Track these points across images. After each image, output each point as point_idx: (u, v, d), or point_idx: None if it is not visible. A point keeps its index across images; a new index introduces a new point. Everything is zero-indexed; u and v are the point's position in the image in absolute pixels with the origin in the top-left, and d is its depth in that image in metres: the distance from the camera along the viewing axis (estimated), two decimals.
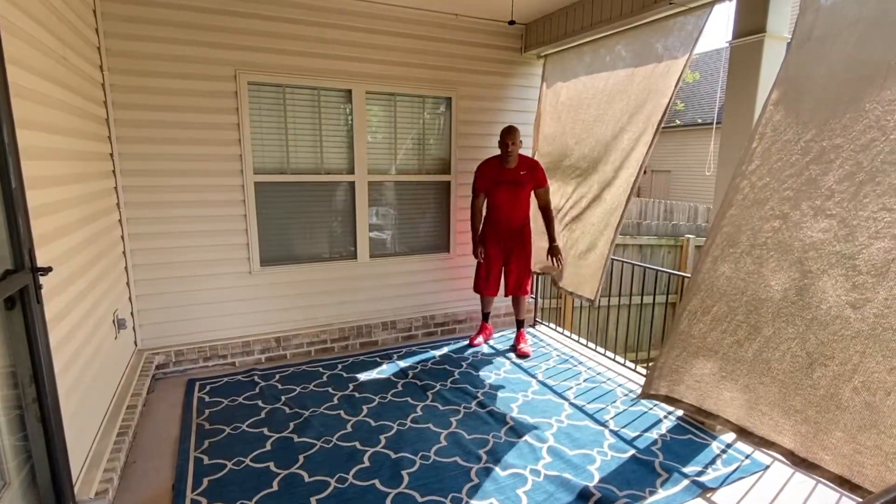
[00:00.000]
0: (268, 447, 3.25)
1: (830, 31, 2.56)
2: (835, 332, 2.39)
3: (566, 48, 4.81)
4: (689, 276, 4.09)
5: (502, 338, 5.32)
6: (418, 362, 4.62)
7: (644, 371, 4.39)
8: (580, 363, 4.68)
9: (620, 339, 7.18)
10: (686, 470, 3.05)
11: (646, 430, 3.50)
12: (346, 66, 4.51)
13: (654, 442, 3.35)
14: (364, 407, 3.78)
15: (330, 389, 4.06)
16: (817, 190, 2.50)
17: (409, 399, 3.91)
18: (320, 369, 4.44)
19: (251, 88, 4.24)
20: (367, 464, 3.08)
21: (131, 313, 4.10)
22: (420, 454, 3.18)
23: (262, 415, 3.65)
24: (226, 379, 4.22)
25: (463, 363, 4.61)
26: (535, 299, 5.78)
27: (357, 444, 3.29)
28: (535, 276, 5.36)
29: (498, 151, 4.65)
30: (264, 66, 4.23)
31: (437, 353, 4.84)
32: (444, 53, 4.88)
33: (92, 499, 2.52)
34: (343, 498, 2.77)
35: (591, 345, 5.04)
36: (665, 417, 3.66)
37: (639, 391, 4.08)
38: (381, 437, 3.37)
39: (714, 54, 20.93)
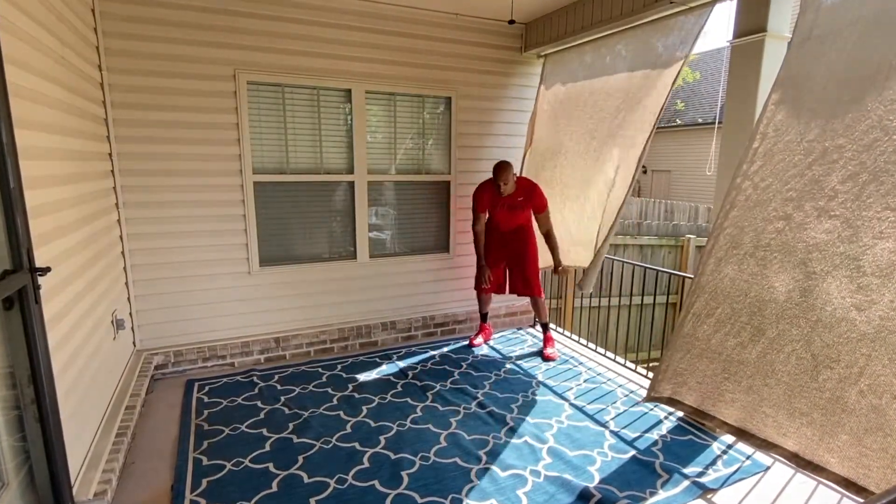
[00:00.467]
0: (267, 448, 3.24)
1: (831, 29, 2.55)
2: (840, 335, 2.38)
3: (566, 48, 4.80)
4: (690, 276, 4.09)
5: (502, 338, 5.31)
6: (418, 363, 4.61)
7: (644, 372, 4.39)
8: (580, 363, 4.67)
9: (621, 340, 7.17)
10: (687, 471, 3.04)
11: (646, 431, 3.49)
12: (345, 65, 4.50)
13: (655, 443, 3.34)
14: (363, 407, 3.77)
15: (329, 390, 4.05)
16: (821, 191, 2.49)
17: (408, 400, 3.90)
18: (320, 370, 4.43)
19: (250, 88, 4.23)
20: (366, 464, 3.07)
21: (130, 313, 4.09)
22: (420, 455, 3.17)
23: (262, 415, 3.64)
24: (225, 379, 4.21)
25: (463, 363, 4.60)
26: None
27: (356, 444, 3.28)
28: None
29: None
30: (264, 66, 4.22)
31: (437, 353, 4.83)
32: (443, 53, 4.87)
33: (90, 499, 2.51)
34: (342, 499, 2.77)
35: (592, 345, 5.03)
36: (666, 418, 3.65)
37: (640, 392, 4.08)
38: (381, 438, 3.36)
39: (715, 54, 20.91)
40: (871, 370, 2.28)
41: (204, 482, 2.90)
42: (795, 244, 2.57)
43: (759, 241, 2.72)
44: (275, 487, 2.85)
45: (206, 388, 4.05)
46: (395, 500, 2.76)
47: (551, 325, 5.67)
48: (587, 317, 7.28)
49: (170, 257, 4.18)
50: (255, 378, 4.23)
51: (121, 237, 3.95)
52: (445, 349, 4.95)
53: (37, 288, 2.05)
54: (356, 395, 3.96)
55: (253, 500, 2.75)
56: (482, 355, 4.81)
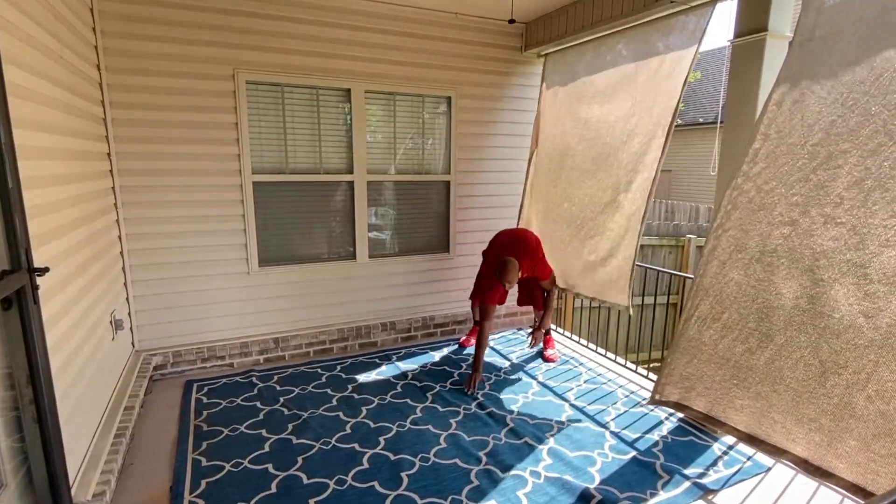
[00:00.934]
0: (266, 449, 3.23)
1: (833, 30, 2.53)
2: (848, 341, 2.37)
3: (567, 47, 4.79)
4: (691, 276, 4.07)
5: (502, 339, 5.31)
6: (418, 363, 4.61)
7: (645, 372, 4.38)
8: (581, 364, 4.66)
9: (621, 340, 7.16)
10: (687, 472, 3.03)
11: (647, 432, 3.48)
12: (344, 64, 4.49)
13: (655, 443, 3.33)
14: (363, 408, 3.76)
15: (329, 391, 4.04)
16: (826, 196, 2.48)
17: (408, 400, 3.89)
18: (319, 370, 4.42)
19: (249, 88, 4.22)
20: (366, 465, 3.06)
21: (129, 314, 4.08)
22: (420, 456, 3.16)
23: (261, 416, 3.63)
24: (224, 380, 4.20)
25: (463, 364, 4.59)
26: None
27: (356, 445, 3.27)
28: None
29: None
30: (263, 65, 4.21)
31: (437, 354, 4.82)
32: (443, 52, 4.86)
33: (89, 500, 2.50)
34: (342, 500, 2.76)
35: (592, 346, 5.02)
36: (666, 419, 3.64)
37: (641, 393, 4.07)
38: (381, 439, 3.35)
39: (716, 53, 20.88)
40: (878, 376, 2.28)
41: (203, 483, 2.89)
42: (803, 251, 2.56)
43: (766, 247, 2.71)
44: (274, 488, 2.85)
45: (205, 389, 4.04)
46: (395, 502, 2.75)
47: (552, 326, 5.66)
48: (587, 317, 7.26)
49: (169, 257, 4.17)
50: (254, 379, 4.22)
51: (119, 237, 3.94)
52: (445, 350, 4.94)
53: (35, 288, 2.03)
54: (356, 396, 3.95)
55: (252, 501, 2.74)
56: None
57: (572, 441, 3.37)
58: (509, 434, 3.44)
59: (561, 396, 4.00)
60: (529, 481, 2.94)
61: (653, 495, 2.83)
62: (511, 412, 3.73)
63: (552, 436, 3.42)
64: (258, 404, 3.80)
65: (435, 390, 4.05)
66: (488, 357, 4.75)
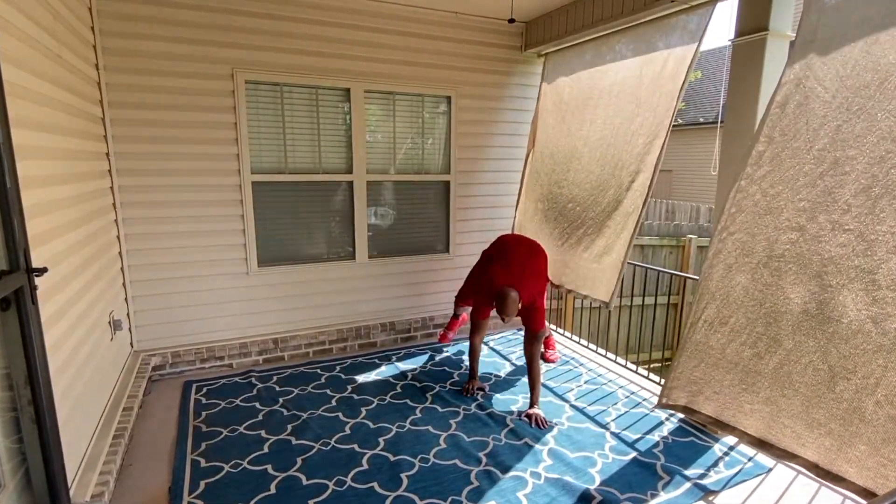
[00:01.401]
0: (265, 449, 3.22)
1: (836, 31, 2.52)
2: (856, 346, 2.38)
3: (567, 46, 4.79)
4: (691, 277, 4.07)
5: (502, 339, 5.30)
6: (417, 364, 4.60)
7: (645, 373, 4.37)
8: (581, 364, 4.65)
9: (622, 341, 7.14)
10: (688, 472, 3.02)
11: (647, 433, 3.47)
12: (344, 64, 4.48)
13: (656, 444, 3.33)
14: (363, 409, 3.75)
15: (328, 391, 4.03)
16: (834, 203, 2.47)
17: (408, 401, 3.88)
18: (318, 371, 4.41)
19: (248, 87, 4.21)
20: (365, 466, 3.06)
21: (127, 314, 4.07)
22: (419, 457, 3.16)
23: (260, 417, 3.62)
24: (223, 381, 4.19)
25: (462, 365, 4.58)
26: None
27: (355, 446, 3.26)
28: None
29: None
30: (262, 65, 4.20)
31: (437, 354, 4.81)
32: (443, 52, 4.85)
33: (88, 501, 2.49)
34: (341, 501, 2.75)
35: (592, 346, 5.01)
36: (667, 420, 3.63)
37: (641, 393, 4.06)
38: (380, 440, 3.34)
39: (716, 52, 20.85)
40: (887, 381, 2.29)
41: (202, 484, 2.88)
42: (811, 256, 2.55)
43: (773, 251, 2.70)
44: (273, 489, 2.84)
45: (204, 390, 4.02)
46: (395, 502, 2.74)
47: (552, 327, 5.66)
48: (587, 318, 7.26)
49: (168, 258, 4.16)
50: (253, 379, 4.21)
51: (118, 237, 3.93)
52: (445, 350, 4.93)
53: (33, 289, 2.03)
54: (355, 397, 3.94)
55: (251, 502, 2.73)
56: (482, 356, 4.78)
57: (572, 442, 3.36)
58: (509, 435, 3.43)
59: (561, 397, 3.99)
60: (529, 482, 2.93)
61: (653, 496, 2.82)
62: (511, 413, 3.72)
63: (552, 436, 3.41)
64: (257, 405, 3.79)
65: (434, 391, 4.04)
66: (488, 358, 4.75)
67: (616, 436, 3.44)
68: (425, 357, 4.75)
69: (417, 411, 3.73)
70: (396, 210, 5.06)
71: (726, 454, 3.21)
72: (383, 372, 4.41)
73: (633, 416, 3.70)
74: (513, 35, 5.13)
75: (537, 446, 3.29)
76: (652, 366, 4.79)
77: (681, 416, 3.66)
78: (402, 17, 4.62)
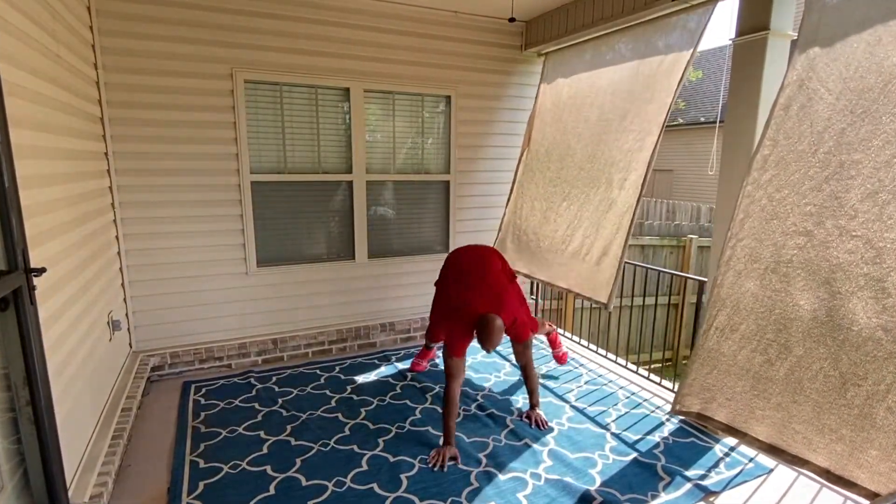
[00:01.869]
0: (264, 450, 3.21)
1: (838, 32, 2.51)
2: (867, 353, 2.38)
3: (567, 46, 4.78)
4: (692, 277, 4.06)
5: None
6: None
7: (646, 374, 4.36)
8: (581, 365, 4.64)
9: (622, 341, 7.13)
10: (689, 473, 3.01)
11: (648, 433, 3.46)
12: (343, 63, 4.47)
13: (657, 445, 3.32)
14: (362, 409, 3.74)
15: (327, 392, 4.02)
16: (841, 208, 2.47)
17: (407, 402, 3.87)
18: (318, 371, 4.40)
19: (248, 87, 4.20)
20: (365, 467, 3.04)
21: (126, 315, 4.06)
22: (419, 458, 3.14)
23: (259, 418, 3.61)
24: (222, 381, 4.18)
25: None
26: (536, 300, 5.74)
27: (355, 447, 3.25)
28: (534, 283, 5.24)
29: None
30: (261, 64, 4.19)
31: (437, 354, 4.80)
32: (443, 51, 4.84)
33: (86, 502, 2.49)
34: (341, 502, 2.74)
35: (593, 346, 5.00)
36: (667, 420, 3.62)
37: (641, 394, 4.05)
38: (380, 440, 3.33)
39: (717, 52, 20.83)
40: None
41: (201, 485, 2.87)
42: (819, 262, 2.54)
43: (781, 257, 2.70)
44: (272, 490, 2.82)
45: (203, 390, 4.01)
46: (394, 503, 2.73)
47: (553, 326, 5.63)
48: (588, 318, 7.25)
49: (166, 258, 4.15)
50: (252, 380, 4.19)
51: (117, 237, 3.92)
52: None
53: (32, 289, 2.02)
54: (355, 397, 3.93)
55: (250, 503, 2.72)
56: (482, 356, 4.77)
57: (573, 442, 3.35)
58: (509, 435, 3.42)
59: (561, 397, 3.98)
60: (529, 483, 2.92)
61: (654, 497, 2.81)
62: (511, 413, 3.71)
63: (552, 437, 3.40)
64: (256, 405, 3.78)
65: (434, 391, 4.03)
66: (488, 358, 4.73)
67: (616, 436, 3.43)
68: None
69: (417, 412, 3.71)
70: (396, 210, 5.05)
71: (727, 455, 3.20)
72: (383, 372, 4.40)
73: (633, 416, 3.69)
74: (513, 34, 5.12)
75: (537, 447, 3.28)
76: (652, 366, 4.78)
77: (681, 417, 3.65)
78: (401, 17, 4.61)
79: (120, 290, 3.95)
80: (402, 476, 2.96)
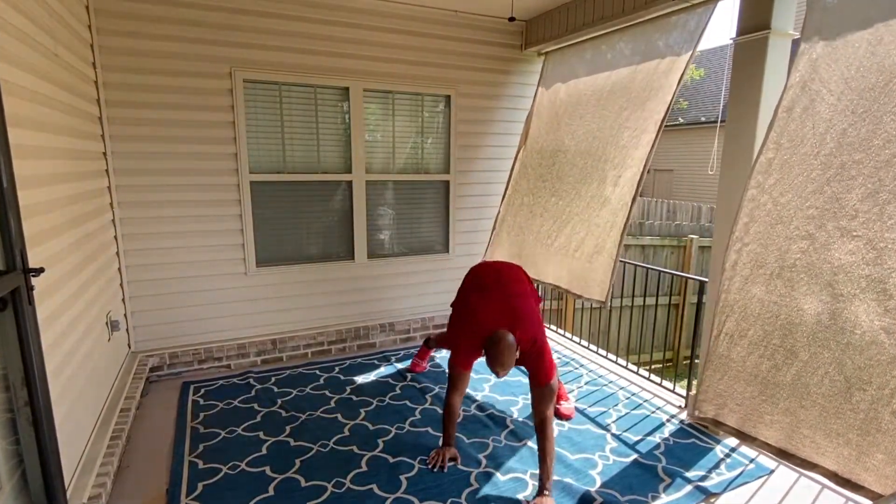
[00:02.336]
0: (263, 451, 3.20)
1: (840, 32, 2.50)
2: (871, 357, 2.38)
3: (567, 45, 4.77)
4: (692, 277, 4.05)
5: None
6: None
7: (646, 374, 4.35)
8: (581, 366, 4.63)
9: (622, 342, 7.14)
10: (689, 475, 3.00)
11: (648, 434, 3.45)
12: (343, 63, 4.46)
13: (657, 446, 3.31)
14: (362, 410, 3.73)
15: (327, 392, 4.01)
16: (842, 209, 2.46)
17: (407, 402, 3.86)
18: (317, 372, 4.39)
19: (247, 86, 4.19)
20: (364, 468, 3.04)
21: (125, 315, 4.05)
22: (419, 458, 3.13)
23: (258, 418, 3.60)
24: (221, 382, 4.17)
25: None
26: None
27: (354, 447, 3.25)
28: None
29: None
30: (260, 64, 4.18)
31: (436, 355, 4.79)
32: (443, 50, 4.83)
33: (85, 503, 2.48)
34: (340, 503, 2.73)
35: (593, 347, 4.99)
36: (668, 421, 3.62)
37: (642, 394, 4.04)
38: (379, 441, 3.32)
39: (718, 51, 20.82)
40: None
41: (200, 486, 2.86)
42: (821, 265, 2.54)
43: (785, 262, 2.70)
44: (271, 491, 2.82)
45: (202, 391, 4.00)
46: None
47: (552, 327, 5.62)
48: (588, 318, 7.24)
49: (165, 258, 4.14)
50: (251, 380, 4.19)
51: (115, 237, 3.91)
52: (444, 351, 4.91)
53: (30, 289, 2.01)
54: (354, 398, 3.92)
55: None
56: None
57: (573, 443, 3.34)
58: (509, 436, 3.41)
59: None
60: (529, 484, 2.91)
61: (654, 498, 2.80)
62: (511, 414, 3.70)
63: None
64: (255, 406, 3.77)
65: (434, 392, 4.02)
66: None
67: (617, 437, 3.42)
68: None
69: (417, 413, 3.71)
70: (396, 210, 5.04)
71: (728, 456, 3.19)
72: (382, 373, 4.39)
73: (633, 417, 3.69)
74: (513, 34, 5.11)
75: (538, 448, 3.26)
76: (653, 367, 4.77)
77: (682, 417, 3.65)
78: (401, 16, 4.60)
79: (119, 290, 3.94)
80: (402, 477, 2.95)
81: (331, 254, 4.81)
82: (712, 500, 2.80)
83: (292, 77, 4.31)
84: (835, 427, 2.51)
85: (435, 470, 3.02)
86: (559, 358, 4.77)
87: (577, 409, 3.79)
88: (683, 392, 3.94)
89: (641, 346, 6.79)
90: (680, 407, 3.83)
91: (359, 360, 4.68)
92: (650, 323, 6.95)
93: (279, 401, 3.84)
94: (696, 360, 3.79)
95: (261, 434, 3.39)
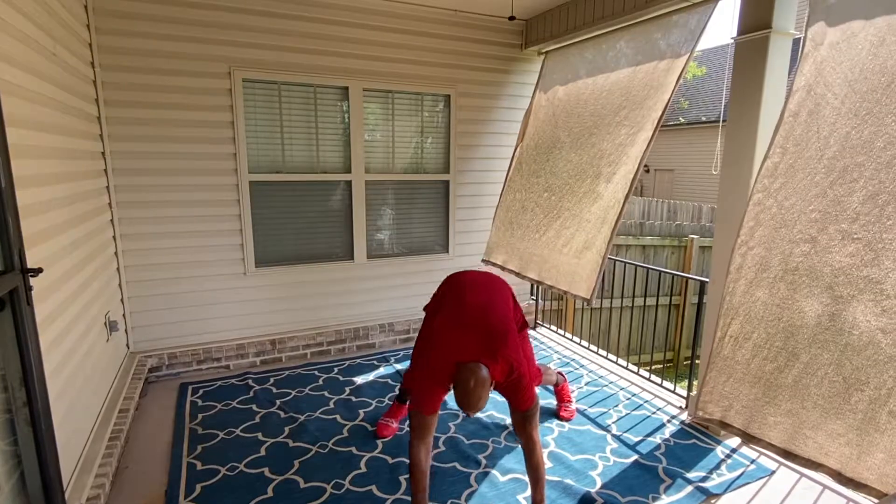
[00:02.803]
0: (262, 452, 3.19)
1: (843, 34, 2.50)
2: (868, 357, 2.39)
3: (567, 44, 4.76)
4: (693, 277, 4.04)
5: None
6: None
7: (647, 375, 4.34)
8: (581, 366, 4.62)
9: (623, 342, 7.13)
10: (690, 475, 2.99)
11: (649, 435, 3.44)
12: (342, 62, 4.45)
13: (658, 447, 3.30)
14: (361, 411, 3.72)
15: (326, 393, 4.00)
16: (843, 212, 2.47)
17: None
18: (316, 372, 4.38)
19: (246, 85, 4.18)
20: (363, 469, 3.03)
21: (123, 315, 4.04)
22: None
23: (257, 419, 3.59)
24: (219, 382, 4.16)
25: None
26: (536, 301, 5.72)
27: (353, 449, 3.24)
28: (534, 285, 5.17)
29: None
30: (259, 63, 4.17)
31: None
32: (442, 50, 4.83)
33: None
34: None
35: (593, 347, 4.98)
36: (668, 422, 3.61)
37: (642, 395, 4.03)
38: (379, 442, 3.31)
39: (719, 50, 20.82)
40: None
41: (198, 487, 2.85)
42: (822, 268, 2.55)
43: (788, 265, 2.70)
44: (270, 492, 2.81)
45: (201, 392, 3.99)
46: None
47: (552, 328, 5.61)
48: (588, 318, 7.23)
49: (164, 258, 4.13)
50: (250, 381, 4.17)
51: (114, 237, 3.90)
52: None
53: (28, 289, 2.01)
54: (353, 399, 3.91)
55: None
56: None
57: (573, 444, 3.33)
58: (509, 437, 3.40)
59: None
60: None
61: (655, 499, 2.79)
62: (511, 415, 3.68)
63: (553, 439, 3.38)
64: (254, 407, 3.76)
65: None
66: None
67: (617, 438, 3.41)
68: None
69: None
70: (395, 210, 5.03)
71: (728, 457, 3.19)
72: (381, 373, 4.38)
73: (634, 418, 3.68)
74: (513, 33, 5.10)
75: None
76: (653, 367, 4.76)
77: (683, 417, 3.64)
78: (401, 15, 4.59)
79: (117, 290, 3.93)
80: (401, 478, 2.94)
81: (330, 254, 4.80)
82: (713, 501, 2.79)
83: (291, 76, 4.30)
84: (835, 427, 2.52)
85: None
86: (559, 359, 4.77)
87: (577, 409, 3.78)
88: (684, 393, 3.94)
89: (642, 346, 6.78)
90: (680, 408, 3.82)
91: (358, 360, 4.66)
92: (651, 323, 6.95)
93: (278, 402, 3.83)
94: (697, 361, 3.78)
95: (259, 435, 3.38)
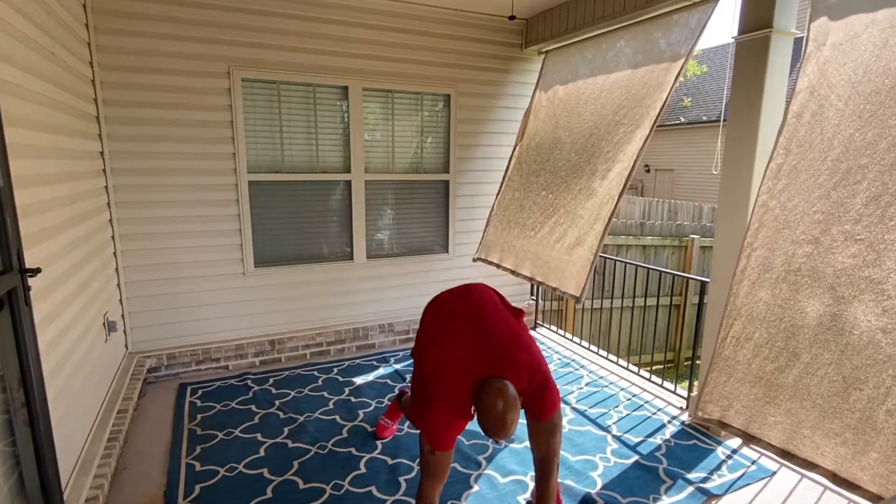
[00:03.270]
0: (261, 453, 3.18)
1: (846, 34, 2.50)
2: (868, 357, 2.39)
3: (568, 44, 4.75)
4: (693, 277, 4.03)
5: None
6: None
7: (647, 375, 4.33)
8: (582, 367, 4.61)
9: (623, 342, 7.12)
10: (691, 476, 2.99)
11: (649, 436, 3.44)
12: (342, 62, 4.44)
13: (658, 447, 3.29)
14: (360, 412, 3.71)
15: (325, 394, 3.99)
16: (846, 214, 2.47)
17: None
18: (315, 373, 4.37)
19: (245, 85, 4.17)
20: (363, 470, 3.02)
21: (122, 315, 4.02)
22: (417, 460, 3.11)
23: (256, 420, 3.58)
24: (218, 383, 4.15)
25: None
26: (536, 301, 5.71)
27: (353, 449, 3.23)
28: (534, 285, 5.16)
29: None
30: (259, 63, 4.16)
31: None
32: (442, 49, 4.82)
33: None
34: None
35: (593, 348, 4.98)
36: (669, 422, 3.60)
37: (643, 395, 4.03)
38: (378, 443, 3.30)
39: (720, 50, 20.80)
40: None
41: (197, 488, 2.84)
42: (824, 269, 2.56)
43: (790, 266, 2.71)
44: (269, 493, 2.80)
45: (200, 392, 3.98)
46: None
47: (552, 328, 5.59)
48: (588, 318, 7.23)
49: (163, 258, 4.12)
50: (249, 381, 4.17)
51: (113, 237, 3.89)
52: None
53: (27, 289, 2.01)
54: (353, 399, 3.90)
55: None
56: None
57: (574, 445, 3.32)
58: (509, 438, 3.39)
59: (562, 399, 3.95)
60: (530, 486, 2.89)
61: (656, 500, 2.79)
62: None
63: None
64: (253, 408, 3.75)
65: None
66: None
67: (618, 439, 3.41)
68: None
69: None
70: (395, 210, 5.02)
71: (729, 457, 3.18)
72: (381, 374, 4.38)
73: (634, 418, 3.67)
74: (513, 32, 5.10)
75: None
76: (654, 368, 4.75)
77: (683, 418, 3.64)
78: (401, 14, 4.58)
79: (116, 290, 3.92)
80: (401, 479, 2.93)
81: (330, 254, 4.79)
82: (714, 502, 2.79)
83: (291, 76, 4.30)
84: (832, 427, 2.52)
85: None
86: (560, 359, 4.76)
87: (577, 410, 3.78)
88: (685, 393, 3.93)
89: (642, 346, 6.77)
90: (681, 408, 3.81)
91: (357, 361, 4.66)
92: (651, 324, 6.94)
93: (277, 402, 3.83)
94: (698, 362, 3.78)
95: (259, 436, 3.37)
